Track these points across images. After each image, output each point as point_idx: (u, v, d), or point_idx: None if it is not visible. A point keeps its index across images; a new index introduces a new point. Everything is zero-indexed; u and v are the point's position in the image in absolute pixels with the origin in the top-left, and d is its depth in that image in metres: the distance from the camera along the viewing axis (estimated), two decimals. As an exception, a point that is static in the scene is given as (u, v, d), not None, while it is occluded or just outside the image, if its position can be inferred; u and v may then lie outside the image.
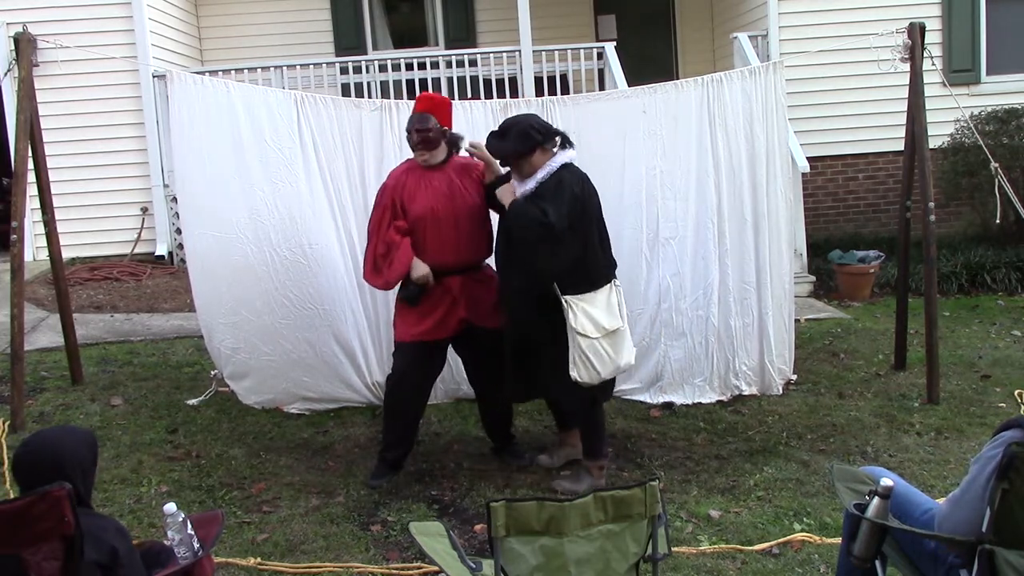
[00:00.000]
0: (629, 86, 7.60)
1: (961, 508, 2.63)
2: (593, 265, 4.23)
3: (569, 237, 4.12)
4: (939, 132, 8.74)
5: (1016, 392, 5.63)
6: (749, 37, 9.43)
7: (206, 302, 5.49)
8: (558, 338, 4.16)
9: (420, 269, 4.40)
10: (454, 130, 4.65)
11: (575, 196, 4.14)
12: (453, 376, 5.68)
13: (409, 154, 5.74)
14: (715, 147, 5.61)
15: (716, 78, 5.66)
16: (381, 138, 5.55)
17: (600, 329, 4.14)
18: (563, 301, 4.11)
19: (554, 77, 9.43)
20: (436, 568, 2.97)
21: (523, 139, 4.22)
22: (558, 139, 4.31)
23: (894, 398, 5.66)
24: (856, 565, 2.81)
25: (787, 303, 5.87)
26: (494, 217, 4.57)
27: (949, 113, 8.41)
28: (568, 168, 4.24)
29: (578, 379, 4.14)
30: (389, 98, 8.16)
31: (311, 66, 9.78)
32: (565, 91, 9.32)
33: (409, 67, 9.70)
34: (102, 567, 2.45)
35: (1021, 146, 8.88)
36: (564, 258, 4.14)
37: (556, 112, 5.70)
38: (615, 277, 4.34)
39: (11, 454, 4.69)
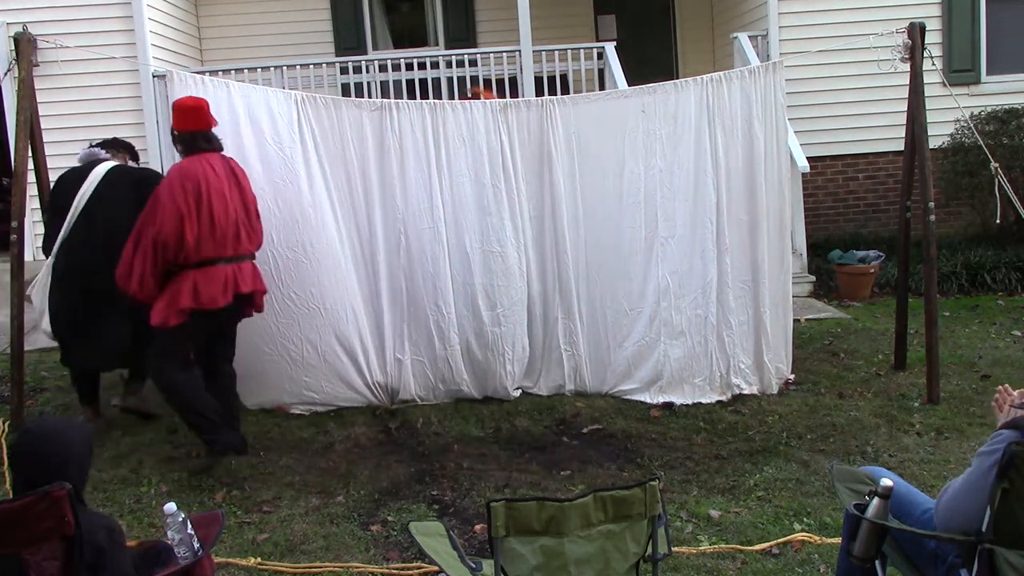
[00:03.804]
0: (629, 86, 7.60)
1: (964, 498, 2.60)
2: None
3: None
4: (939, 132, 8.73)
5: (1016, 392, 5.61)
6: (749, 37, 9.42)
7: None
8: None
9: None
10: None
11: None
12: (453, 376, 5.69)
13: (408, 154, 5.78)
14: (714, 147, 5.61)
15: (715, 78, 5.66)
16: (382, 138, 5.57)
17: None
18: None
19: (554, 77, 9.43)
20: (436, 568, 2.97)
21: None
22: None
23: (894, 398, 5.65)
24: (856, 565, 2.81)
25: (785, 302, 5.88)
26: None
27: (949, 113, 8.40)
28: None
29: None
30: (389, 98, 8.15)
31: (311, 66, 9.77)
32: (565, 91, 9.31)
33: (409, 67, 9.69)
34: (88, 566, 2.44)
35: (1021, 146, 8.87)
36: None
37: (556, 112, 5.71)
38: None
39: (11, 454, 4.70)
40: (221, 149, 4.84)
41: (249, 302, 4.87)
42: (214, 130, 4.81)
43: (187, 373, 4.68)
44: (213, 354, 4.91)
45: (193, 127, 4.73)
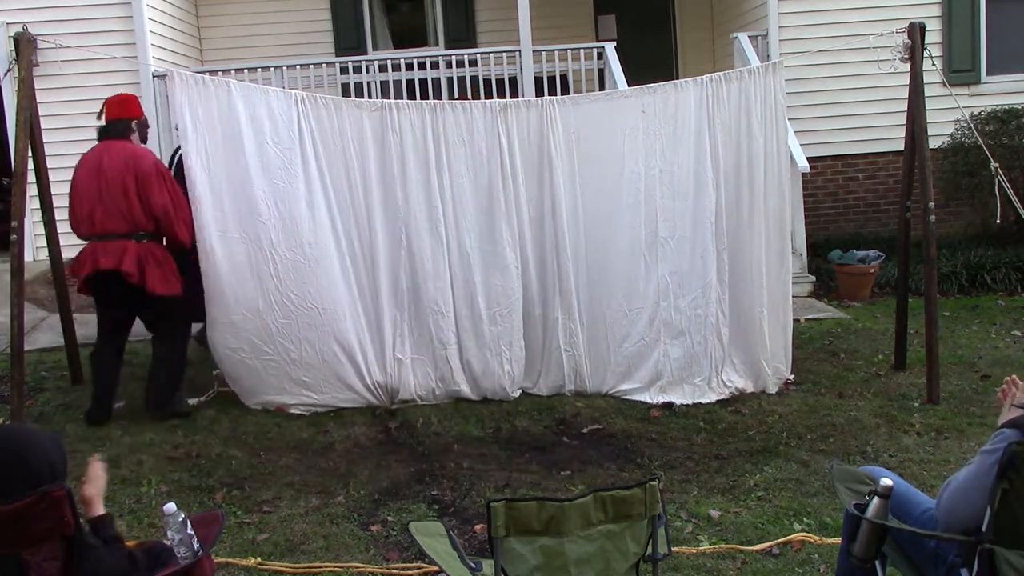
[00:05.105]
0: (629, 86, 7.60)
1: (965, 495, 2.59)
2: None
3: None
4: (939, 132, 8.72)
5: None
6: (749, 37, 9.42)
7: (206, 301, 5.49)
8: None
9: None
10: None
11: None
12: (452, 376, 5.69)
13: (408, 154, 5.79)
14: (714, 147, 5.62)
15: (715, 78, 5.67)
16: (382, 138, 5.57)
17: None
18: None
19: (554, 77, 9.42)
20: (436, 568, 2.97)
21: None
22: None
23: (894, 398, 5.65)
24: (856, 565, 2.81)
25: (785, 302, 5.87)
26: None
27: (949, 113, 8.39)
28: None
29: None
30: (389, 98, 8.15)
31: (311, 66, 9.77)
32: (565, 91, 9.31)
33: (409, 67, 9.69)
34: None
35: (1021, 146, 8.86)
36: None
37: (556, 112, 5.71)
38: None
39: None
40: (117, 137, 5.30)
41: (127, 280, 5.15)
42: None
43: (104, 345, 5.42)
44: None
45: (104, 120, 5.38)
